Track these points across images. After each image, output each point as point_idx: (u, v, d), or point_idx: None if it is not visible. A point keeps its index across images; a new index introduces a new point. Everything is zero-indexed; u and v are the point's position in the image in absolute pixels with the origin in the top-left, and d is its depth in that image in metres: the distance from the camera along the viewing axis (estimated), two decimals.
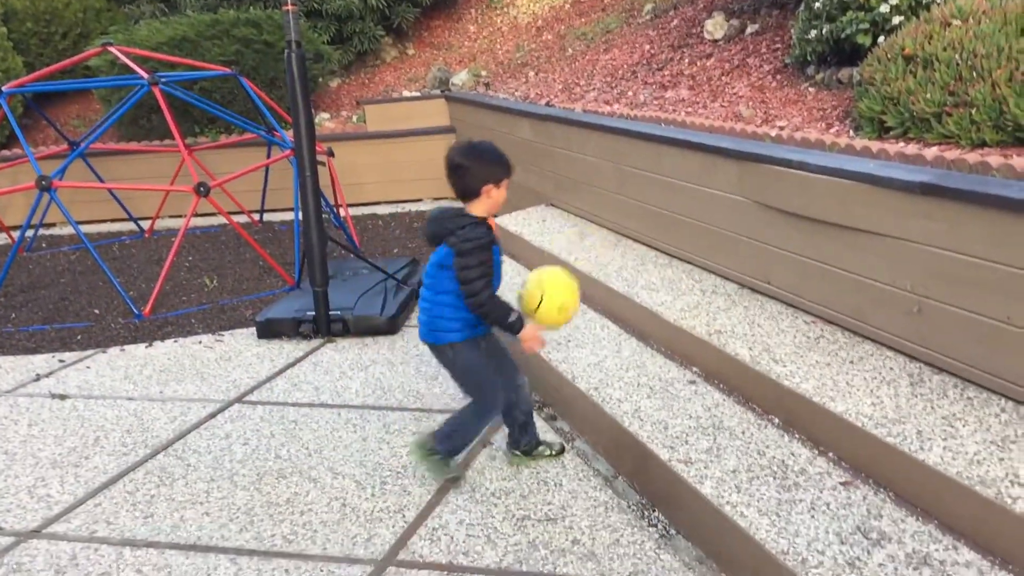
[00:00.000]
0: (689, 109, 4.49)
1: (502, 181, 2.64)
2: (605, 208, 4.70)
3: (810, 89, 4.13)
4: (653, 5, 6.84)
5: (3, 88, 5.53)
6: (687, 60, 5.31)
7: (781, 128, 3.67)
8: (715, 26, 5.37)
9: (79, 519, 2.75)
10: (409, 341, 4.26)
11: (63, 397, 3.81)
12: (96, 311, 5.11)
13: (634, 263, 4.09)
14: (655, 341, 3.46)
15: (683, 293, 3.59)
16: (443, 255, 2.61)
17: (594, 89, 5.72)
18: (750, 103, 4.19)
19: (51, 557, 2.54)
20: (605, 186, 4.64)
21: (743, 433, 2.63)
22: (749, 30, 5.15)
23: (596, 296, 3.96)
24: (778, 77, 4.43)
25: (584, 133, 4.83)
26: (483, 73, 7.76)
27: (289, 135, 6.10)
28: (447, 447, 2.73)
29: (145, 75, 5.58)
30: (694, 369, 3.16)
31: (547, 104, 5.78)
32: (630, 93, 5.27)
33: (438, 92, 7.68)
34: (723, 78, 4.73)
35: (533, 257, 4.68)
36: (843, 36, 3.87)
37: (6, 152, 7.92)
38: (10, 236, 6.84)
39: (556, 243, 4.61)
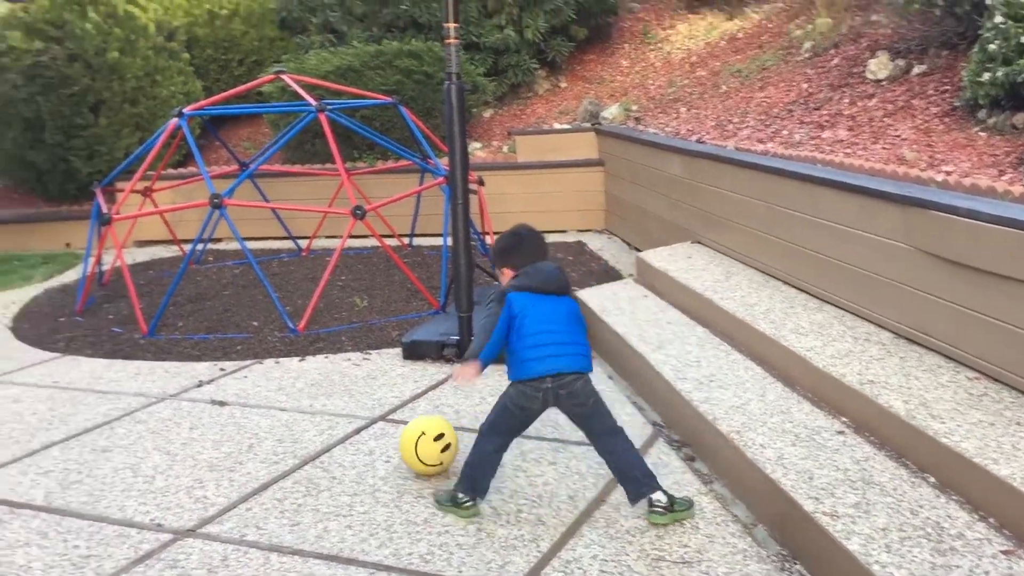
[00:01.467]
0: (848, 150, 4.36)
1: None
2: (754, 247, 4.61)
3: (981, 134, 3.95)
4: (812, 43, 6.69)
5: (184, 111, 5.94)
6: (847, 100, 5.17)
7: (948, 173, 3.52)
8: (879, 66, 5.21)
9: (231, 522, 2.90)
10: None
11: (222, 404, 4.04)
12: (255, 323, 5.39)
13: (782, 305, 3.99)
14: (802, 387, 3.36)
15: (834, 339, 3.48)
16: (574, 305, 2.91)
17: (747, 127, 5.65)
18: (914, 146, 4.04)
19: (204, 556, 2.69)
20: (755, 225, 4.56)
21: (895, 490, 2.52)
22: (915, 71, 4.96)
23: (740, 337, 3.89)
24: (946, 120, 4.26)
25: (735, 171, 4.77)
26: (634, 107, 7.78)
27: (443, 163, 6.28)
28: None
29: (313, 103, 5.88)
30: (843, 419, 3.06)
31: (698, 140, 5.74)
32: (785, 132, 5.17)
33: (588, 125, 7.75)
34: (886, 119, 4.57)
35: (677, 294, 4.65)
36: (1020, 80, 3.68)
37: (182, 169, 8.50)
38: (181, 249, 7.32)
39: (701, 281, 4.55)
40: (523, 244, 2.98)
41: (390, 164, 7.57)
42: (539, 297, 2.82)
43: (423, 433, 3.11)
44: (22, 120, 8.11)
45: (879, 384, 2.98)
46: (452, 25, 4.60)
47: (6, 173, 8.89)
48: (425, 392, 4.09)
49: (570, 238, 7.30)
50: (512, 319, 2.79)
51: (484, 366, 2.82)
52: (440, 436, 3.11)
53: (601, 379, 4.11)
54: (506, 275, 2.96)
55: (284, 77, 6.38)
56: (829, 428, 2.98)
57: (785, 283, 4.29)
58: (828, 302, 3.92)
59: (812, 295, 4.05)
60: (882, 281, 3.45)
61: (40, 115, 8.05)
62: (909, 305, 3.28)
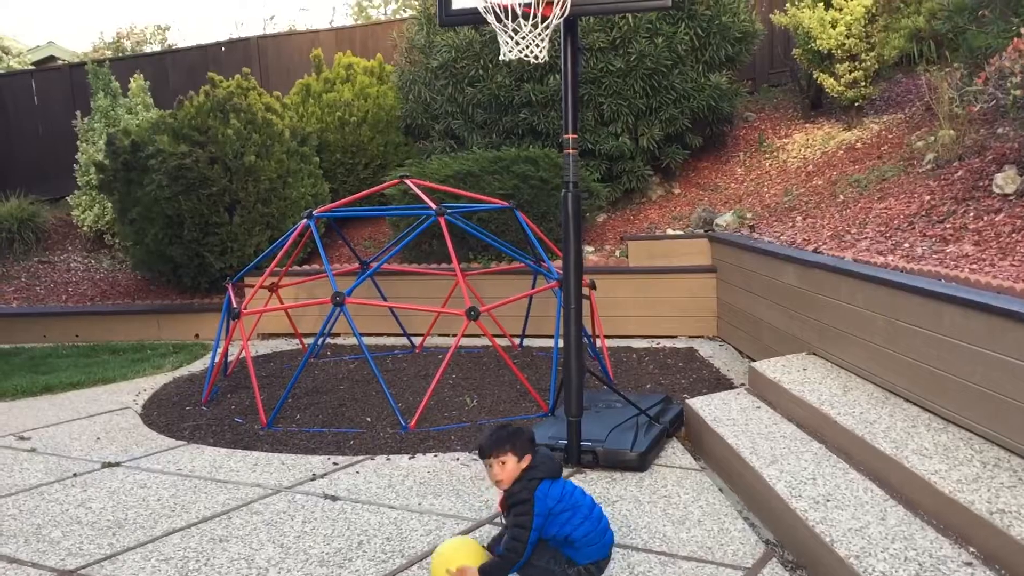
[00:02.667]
0: (974, 266, 4.25)
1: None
2: (873, 362, 4.49)
3: None
4: (935, 155, 6.59)
5: (314, 212, 6.26)
6: (972, 214, 5.05)
7: None
8: (1006, 180, 5.09)
9: None
10: (657, 480, 4.24)
11: (334, 498, 4.12)
12: (368, 419, 5.52)
13: (904, 424, 3.85)
14: (925, 512, 3.22)
15: (960, 463, 3.33)
16: None
17: (866, 238, 5.56)
18: None
19: None
20: (874, 340, 4.45)
21: None
22: None
23: (859, 455, 3.76)
24: None
25: (854, 283, 4.69)
26: (748, 215, 7.78)
27: (555, 266, 6.40)
28: None
29: (433, 206, 6.12)
30: (971, 549, 2.90)
31: (815, 250, 5.68)
32: (906, 245, 5.07)
33: (701, 232, 7.77)
34: (1014, 235, 4.44)
35: (791, 407, 4.55)
36: None
37: (307, 266, 8.89)
38: (302, 343, 7.60)
39: (817, 394, 4.45)
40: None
41: (504, 266, 7.73)
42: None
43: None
44: (164, 217, 8.68)
45: (1011, 514, 2.83)
46: (571, 136, 4.75)
47: (146, 266, 9.47)
48: None
49: (681, 344, 7.25)
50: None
51: None
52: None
53: (712, 492, 4.03)
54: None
55: (407, 181, 6.67)
56: (956, 558, 2.84)
57: (907, 400, 4.15)
58: (953, 423, 3.77)
59: (936, 414, 3.90)
60: (1012, 404, 3.30)
61: (181, 213, 8.61)
62: None
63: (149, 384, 6.93)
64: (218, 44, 13.91)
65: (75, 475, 4.69)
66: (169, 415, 5.95)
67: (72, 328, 9.26)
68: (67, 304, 10.05)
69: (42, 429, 5.73)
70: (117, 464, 4.85)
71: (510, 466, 2.81)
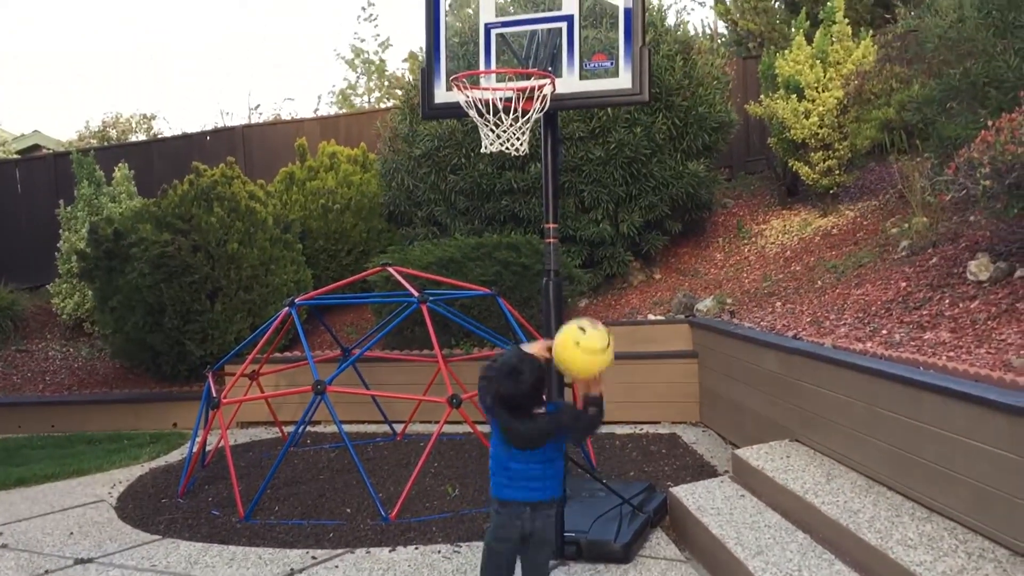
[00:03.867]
0: (951, 353, 4.29)
1: None
2: (856, 450, 4.49)
3: None
4: (910, 242, 6.72)
5: (296, 300, 6.27)
6: (948, 301, 5.12)
7: None
8: (979, 267, 5.18)
9: None
10: (643, 572, 4.17)
11: None
12: (348, 510, 5.43)
13: (888, 513, 3.83)
14: None
15: (945, 554, 3.31)
16: None
17: (844, 324, 5.62)
18: (1021, 352, 3.95)
19: None
20: (856, 427, 4.45)
21: None
22: (1018, 273, 4.92)
23: (844, 545, 3.73)
24: None
25: (834, 370, 4.72)
26: (728, 301, 7.84)
27: None
28: None
29: (415, 293, 6.14)
30: None
31: (794, 337, 5.72)
32: (884, 331, 5.12)
33: (682, 317, 7.81)
34: (989, 323, 4.50)
35: (775, 495, 4.52)
36: None
37: (288, 353, 8.84)
38: (282, 431, 7.51)
39: (801, 483, 4.43)
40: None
41: (486, 352, 7.72)
42: None
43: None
44: (145, 305, 8.66)
45: None
46: (551, 225, 4.82)
47: (125, 354, 9.39)
48: None
49: (664, 430, 7.22)
50: None
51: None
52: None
53: None
54: None
55: (390, 270, 6.70)
56: None
57: (890, 488, 4.13)
58: (937, 512, 3.75)
59: (920, 503, 3.88)
60: (994, 494, 3.30)
61: (162, 301, 8.59)
62: None
63: (125, 476, 6.81)
64: (203, 133, 14.10)
65: (46, 572, 4.57)
66: (144, 508, 5.84)
67: (48, 418, 9.13)
68: (43, 393, 9.92)
69: (14, 524, 5.60)
70: (90, 560, 4.74)
71: None
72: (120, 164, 12.19)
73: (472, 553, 4.55)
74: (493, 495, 3.17)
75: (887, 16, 10.25)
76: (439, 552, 4.59)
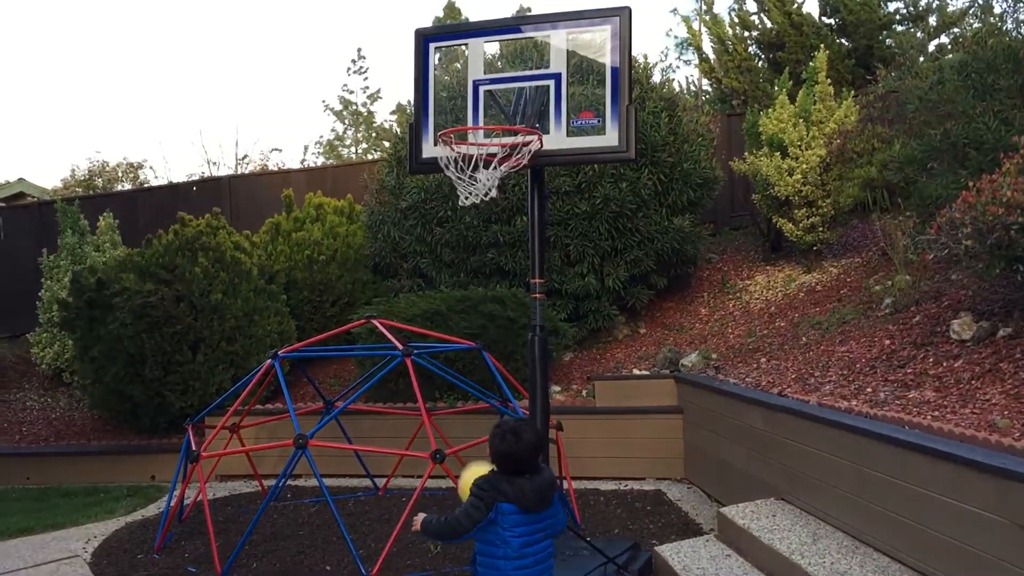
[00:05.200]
0: (936, 413, 4.29)
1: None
2: (842, 510, 4.46)
3: None
4: (893, 299, 6.76)
5: (280, 353, 6.22)
6: (931, 359, 5.14)
7: None
8: (962, 326, 5.21)
9: None
10: None
11: None
12: (328, 567, 5.33)
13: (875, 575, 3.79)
14: None
15: None
16: None
17: (829, 382, 5.62)
18: (1005, 412, 3.95)
19: None
20: (842, 486, 4.42)
21: None
22: (1001, 333, 4.94)
23: None
24: None
25: (820, 428, 4.70)
26: (713, 356, 7.84)
27: (521, 405, 6.36)
28: None
29: (400, 346, 6.11)
30: None
31: (780, 394, 5.71)
32: (869, 389, 5.12)
33: (667, 372, 7.79)
34: (973, 382, 4.51)
35: (761, 555, 4.46)
36: None
37: (269, 406, 8.75)
38: (262, 485, 7.40)
39: (787, 543, 4.38)
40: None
41: (470, 405, 7.67)
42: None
43: None
44: (126, 355, 8.56)
45: None
46: (538, 281, 4.83)
47: (104, 405, 9.27)
48: None
49: (648, 486, 7.15)
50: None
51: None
52: None
53: None
54: None
55: (375, 322, 6.68)
56: None
57: (877, 550, 4.10)
58: (925, 574, 3.71)
59: (907, 565, 3.85)
60: (981, 556, 3.27)
61: (143, 351, 8.51)
62: None
63: (101, 530, 6.67)
64: (189, 183, 14.14)
65: None
66: (120, 564, 5.71)
67: (23, 470, 8.96)
68: (19, 444, 9.74)
69: None
70: None
71: None
72: (105, 213, 12.17)
73: None
74: None
75: (868, 77, 10.44)
76: None
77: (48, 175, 43.99)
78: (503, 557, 3.19)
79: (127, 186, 20.11)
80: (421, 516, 3.36)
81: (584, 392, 8.16)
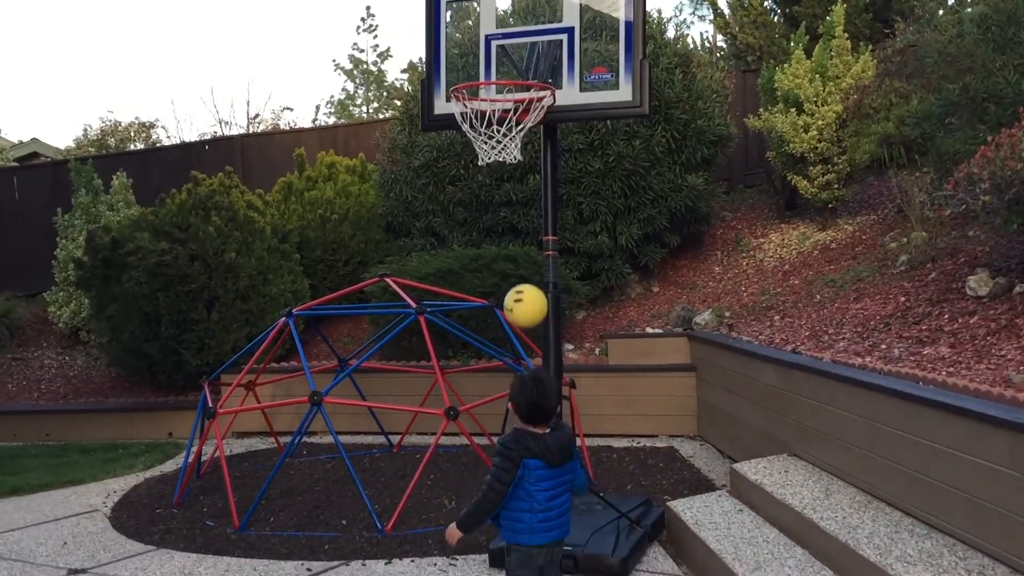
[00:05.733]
0: (951, 369, 4.28)
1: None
2: (854, 465, 4.47)
3: None
4: (908, 256, 6.71)
5: (294, 311, 6.25)
6: (947, 316, 5.11)
7: None
8: (978, 283, 5.17)
9: None
10: None
11: None
12: (344, 521, 5.40)
13: (887, 529, 3.81)
14: None
15: (944, 571, 3.28)
16: None
17: (843, 339, 5.60)
18: (1021, 368, 3.94)
19: None
20: (855, 442, 4.43)
21: None
22: (1017, 289, 4.91)
23: (842, 562, 3.70)
24: None
25: (833, 384, 4.70)
26: (727, 314, 7.83)
27: (535, 363, 6.37)
28: None
29: (413, 304, 6.13)
30: None
31: (793, 351, 5.71)
32: (883, 346, 5.11)
33: (680, 330, 7.79)
34: (988, 338, 4.49)
35: (773, 510, 4.49)
36: None
37: (284, 364, 8.81)
38: (278, 442, 7.48)
39: (799, 498, 4.40)
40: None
41: (483, 364, 7.70)
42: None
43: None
44: (142, 314, 8.63)
45: None
46: (551, 239, 4.82)
47: (121, 363, 9.36)
48: None
49: (661, 443, 7.19)
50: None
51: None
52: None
53: None
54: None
55: (388, 280, 6.69)
56: None
57: (889, 504, 4.11)
58: (937, 528, 3.73)
59: (919, 520, 3.86)
60: (994, 510, 3.28)
61: (158, 310, 8.56)
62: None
63: (120, 485, 6.77)
64: (202, 142, 14.11)
65: None
66: (139, 518, 5.80)
67: (43, 427, 9.08)
68: (38, 402, 9.87)
69: (7, 533, 5.56)
70: (83, 571, 4.71)
71: None
72: (118, 173, 12.18)
73: (468, 567, 4.52)
74: (527, 543, 3.29)
75: (886, 31, 10.26)
76: (435, 565, 4.56)
77: (61, 135, 43.98)
78: (528, 511, 3.23)
79: (139, 146, 20.11)
80: (450, 528, 3.32)
81: (597, 350, 8.18)
